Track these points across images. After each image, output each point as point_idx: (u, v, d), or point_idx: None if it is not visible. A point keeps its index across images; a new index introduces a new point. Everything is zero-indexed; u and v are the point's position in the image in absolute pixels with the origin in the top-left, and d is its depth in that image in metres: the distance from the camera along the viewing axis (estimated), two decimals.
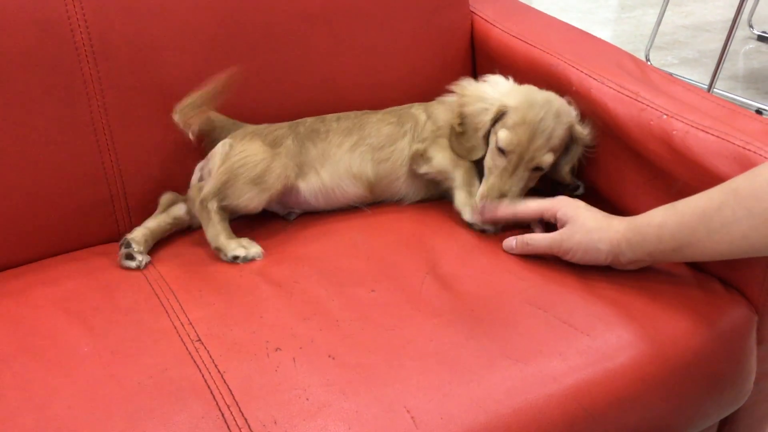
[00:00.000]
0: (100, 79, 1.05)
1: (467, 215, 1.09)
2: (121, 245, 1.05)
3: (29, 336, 0.92)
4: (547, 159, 1.06)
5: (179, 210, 1.11)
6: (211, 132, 1.13)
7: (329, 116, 1.17)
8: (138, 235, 1.06)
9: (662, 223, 0.91)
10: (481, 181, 1.10)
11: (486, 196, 1.06)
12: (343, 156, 1.12)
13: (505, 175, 1.06)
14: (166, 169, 1.13)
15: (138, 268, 1.04)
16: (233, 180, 1.06)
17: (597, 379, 0.86)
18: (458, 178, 1.11)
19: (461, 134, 1.11)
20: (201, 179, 1.11)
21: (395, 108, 1.20)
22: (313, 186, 1.11)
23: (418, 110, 1.18)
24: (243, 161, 1.06)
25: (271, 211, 1.13)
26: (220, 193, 1.05)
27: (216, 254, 1.05)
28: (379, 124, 1.15)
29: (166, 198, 1.13)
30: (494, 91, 1.11)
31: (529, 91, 1.10)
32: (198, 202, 1.06)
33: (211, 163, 1.09)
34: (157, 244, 1.10)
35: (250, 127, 1.13)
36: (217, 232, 1.05)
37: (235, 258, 1.04)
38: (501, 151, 1.06)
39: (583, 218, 0.98)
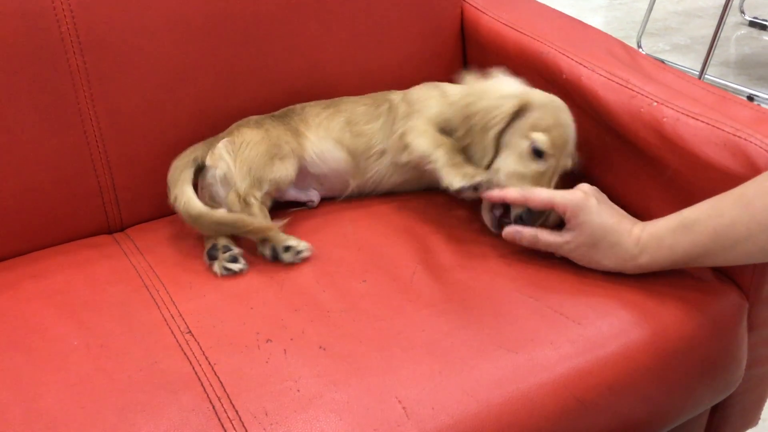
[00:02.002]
0: (87, 71, 1.04)
1: (457, 183, 0.98)
2: (220, 251, 1.00)
3: (18, 329, 0.92)
4: (569, 163, 1.03)
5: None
6: (200, 162, 1.09)
7: (308, 102, 1.17)
8: (224, 239, 1.02)
9: (673, 244, 0.90)
10: (462, 157, 1.02)
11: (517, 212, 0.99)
12: (321, 122, 1.12)
13: (543, 182, 1.00)
14: (155, 160, 1.12)
15: (241, 271, 0.99)
16: (255, 162, 1.04)
17: (588, 368, 0.86)
18: (440, 159, 1.02)
19: (464, 137, 1.03)
20: (204, 188, 1.08)
21: (376, 94, 1.18)
22: (307, 148, 1.10)
23: (394, 94, 1.16)
24: (249, 146, 1.05)
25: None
26: (254, 179, 1.03)
27: (261, 248, 1.01)
28: (353, 104, 1.14)
29: None
30: (507, 86, 1.05)
31: (543, 93, 1.04)
32: (238, 202, 1.02)
33: (221, 167, 1.05)
34: (147, 236, 1.09)
35: (228, 129, 1.12)
36: (263, 226, 1.00)
37: (286, 249, 0.99)
38: (537, 154, 0.99)
39: (591, 228, 0.93)
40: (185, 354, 0.86)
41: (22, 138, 1.03)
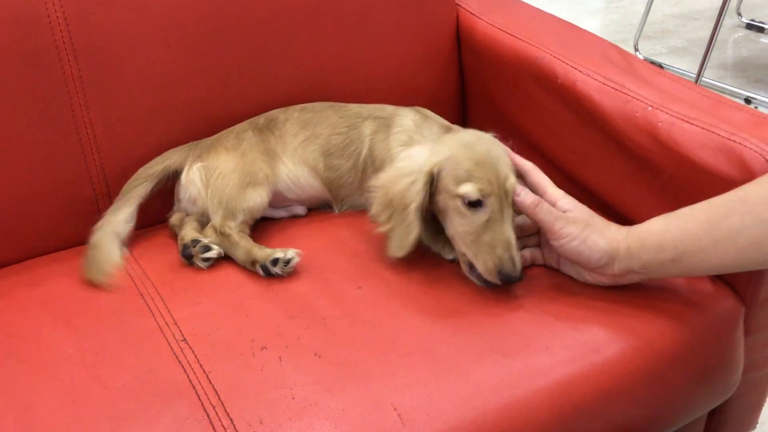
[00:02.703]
0: (81, 78, 1.04)
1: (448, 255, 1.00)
2: (189, 247, 1.02)
3: (12, 337, 0.92)
4: (514, 181, 0.94)
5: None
6: (173, 171, 1.10)
7: (294, 107, 1.16)
8: (192, 233, 1.05)
9: (663, 230, 0.87)
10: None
11: (497, 263, 0.91)
12: (297, 146, 1.11)
13: (496, 226, 0.92)
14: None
15: (220, 256, 1.02)
16: (226, 195, 1.05)
17: (584, 373, 0.86)
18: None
19: (389, 222, 0.98)
20: (180, 208, 1.11)
21: (355, 112, 1.13)
22: (282, 175, 1.10)
23: (367, 129, 1.10)
24: (221, 176, 1.06)
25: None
26: (228, 211, 1.04)
27: (254, 269, 1.00)
28: (329, 129, 1.11)
29: (174, 218, 1.11)
30: (413, 162, 0.97)
31: (452, 137, 0.99)
32: (216, 237, 1.04)
33: (191, 190, 1.08)
34: (142, 244, 1.09)
35: (209, 140, 1.12)
36: (246, 250, 1.01)
37: (275, 263, 0.98)
38: (474, 205, 0.92)
39: (586, 215, 0.93)
40: (180, 362, 0.86)
41: (17, 145, 1.03)
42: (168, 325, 0.92)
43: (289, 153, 1.11)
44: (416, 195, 0.94)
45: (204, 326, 0.91)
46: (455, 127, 1.11)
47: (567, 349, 0.87)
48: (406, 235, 0.96)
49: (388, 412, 0.79)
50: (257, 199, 1.06)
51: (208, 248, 1.02)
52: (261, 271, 0.99)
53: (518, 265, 0.92)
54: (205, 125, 1.13)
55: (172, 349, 0.88)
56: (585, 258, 0.91)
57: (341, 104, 1.16)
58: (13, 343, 0.91)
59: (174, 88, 1.11)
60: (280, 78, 1.18)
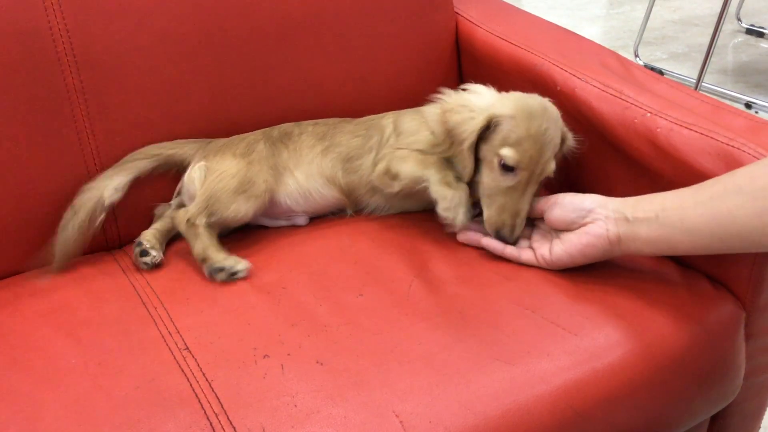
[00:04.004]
0: (83, 89, 1.05)
1: (460, 219, 1.01)
2: (135, 247, 1.05)
3: (16, 347, 0.92)
4: (553, 167, 1.01)
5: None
6: (179, 161, 1.12)
7: (307, 122, 1.16)
8: (147, 234, 1.07)
9: (657, 194, 0.91)
10: (453, 171, 1.04)
11: (498, 223, 1.01)
12: (314, 158, 1.12)
13: (515, 194, 1.00)
14: (152, 178, 1.12)
15: (154, 264, 1.04)
16: (216, 195, 1.05)
17: (585, 379, 0.86)
18: (432, 176, 1.03)
19: (449, 150, 1.04)
20: (181, 205, 1.11)
21: (370, 118, 1.16)
22: (290, 189, 1.10)
23: (387, 120, 1.14)
24: (220, 178, 1.06)
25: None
26: (207, 209, 1.05)
27: (201, 267, 1.02)
28: (349, 135, 1.13)
29: (160, 209, 1.13)
30: (479, 99, 1.04)
31: (522, 98, 1.03)
32: (185, 222, 1.05)
33: (191, 188, 1.09)
34: None
35: (221, 141, 1.13)
36: (205, 246, 1.02)
37: (220, 270, 1.00)
38: (507, 169, 0.99)
39: (568, 195, 0.99)
40: (183, 371, 0.86)
41: (20, 157, 1.04)
42: (171, 334, 0.92)
43: (304, 166, 1.11)
44: (470, 135, 1.00)
45: (206, 335, 0.91)
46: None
47: (568, 354, 0.87)
48: (462, 168, 1.03)
49: (390, 419, 0.79)
50: (242, 211, 1.06)
51: (145, 253, 1.04)
52: (206, 271, 1.01)
53: (516, 232, 1.01)
54: (205, 136, 1.14)
55: (174, 357, 0.88)
56: (577, 203, 0.96)
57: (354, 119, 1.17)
58: (17, 353, 0.91)
59: (175, 99, 1.11)
60: (280, 88, 1.19)
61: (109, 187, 1.07)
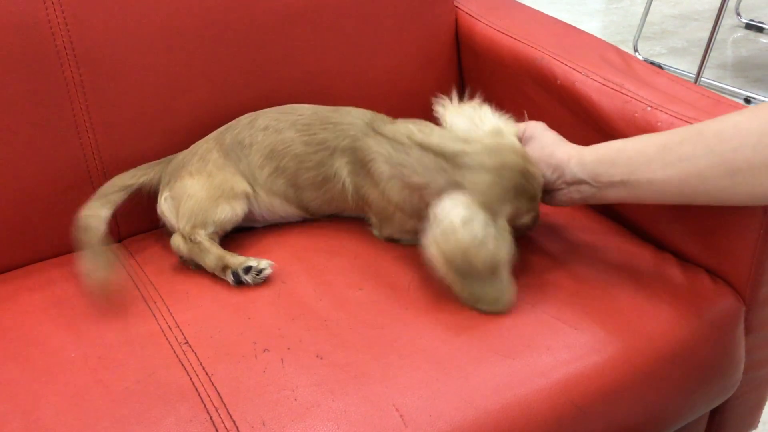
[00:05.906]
0: (82, 83, 1.05)
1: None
2: (246, 272, 0.98)
3: (16, 341, 0.92)
4: (528, 220, 0.98)
5: None
6: (149, 187, 1.10)
7: (260, 121, 1.09)
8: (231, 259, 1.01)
9: (621, 147, 0.90)
10: None
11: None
12: (267, 179, 1.08)
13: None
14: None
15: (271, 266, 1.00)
16: (195, 211, 1.03)
17: (585, 373, 0.86)
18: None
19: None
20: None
21: (319, 140, 1.06)
22: (259, 199, 1.08)
23: (341, 168, 1.04)
24: (188, 198, 1.04)
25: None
26: (198, 222, 1.03)
27: (222, 277, 1.00)
28: (297, 163, 1.07)
29: None
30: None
31: (485, 168, 0.93)
32: (187, 242, 1.02)
33: (168, 221, 1.07)
34: (144, 247, 1.10)
35: (177, 159, 1.10)
36: (218, 255, 1.00)
37: (248, 270, 0.97)
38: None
39: (543, 136, 0.99)
40: (182, 365, 0.86)
41: (19, 150, 1.04)
42: (170, 328, 0.92)
43: (260, 184, 1.08)
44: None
45: (206, 329, 0.91)
46: (420, 130, 1.01)
47: (568, 348, 0.87)
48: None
49: (390, 412, 0.79)
50: (229, 212, 1.04)
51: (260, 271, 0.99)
52: (231, 278, 0.98)
53: None
54: (205, 129, 1.13)
55: (174, 352, 0.88)
56: (547, 154, 0.95)
57: (306, 118, 1.08)
58: (17, 347, 0.91)
59: (174, 93, 1.11)
60: (279, 82, 1.19)
61: (103, 218, 1.04)
